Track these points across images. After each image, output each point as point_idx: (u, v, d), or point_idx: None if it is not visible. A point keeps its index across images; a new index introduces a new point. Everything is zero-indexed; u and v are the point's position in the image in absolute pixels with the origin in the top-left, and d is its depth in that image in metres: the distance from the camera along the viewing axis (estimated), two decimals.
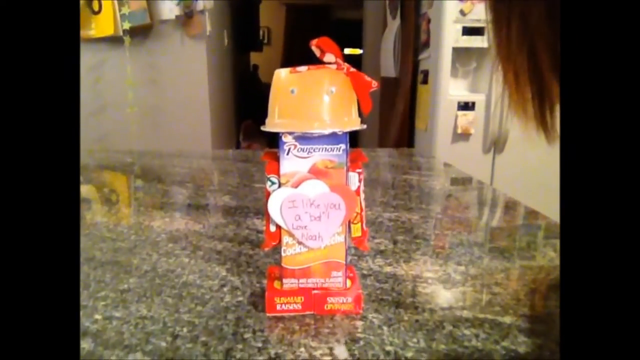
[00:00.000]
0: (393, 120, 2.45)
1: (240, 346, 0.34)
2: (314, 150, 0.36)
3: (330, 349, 0.34)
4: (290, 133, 0.35)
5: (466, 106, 2.08)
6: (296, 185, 0.37)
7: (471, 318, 0.38)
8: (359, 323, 0.38)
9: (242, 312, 0.39)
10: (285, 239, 0.38)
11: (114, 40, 2.10)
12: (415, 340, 0.35)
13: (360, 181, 0.38)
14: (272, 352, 0.34)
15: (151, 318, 0.38)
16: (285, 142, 0.36)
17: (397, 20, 2.43)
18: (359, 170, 0.38)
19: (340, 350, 0.34)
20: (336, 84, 0.34)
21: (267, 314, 0.39)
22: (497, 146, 2.08)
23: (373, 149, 1.28)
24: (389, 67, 2.54)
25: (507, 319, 0.38)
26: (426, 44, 2.19)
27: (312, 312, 0.39)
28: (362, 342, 0.35)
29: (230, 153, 1.24)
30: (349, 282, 0.40)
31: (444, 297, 0.42)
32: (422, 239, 0.57)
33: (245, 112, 3.62)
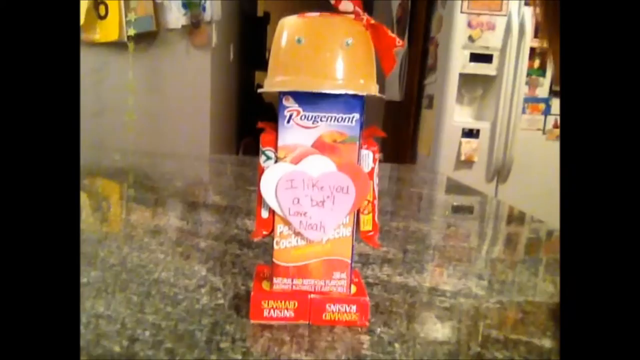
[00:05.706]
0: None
1: (214, 357, 0.27)
2: (320, 119, 0.29)
3: None
4: (292, 95, 0.29)
5: (470, 133, 2.04)
6: (297, 162, 0.30)
7: (502, 339, 0.31)
8: (365, 338, 0.30)
9: (220, 316, 0.32)
10: (280, 227, 0.31)
11: (118, 45, 2.07)
12: None
13: (375, 162, 0.31)
14: None
15: (108, 317, 0.31)
16: (286, 107, 0.29)
17: (405, 44, 2.41)
18: (374, 149, 0.31)
19: None
20: (354, 35, 0.28)
21: (252, 321, 0.31)
22: (500, 175, 2.03)
23: None
24: (393, 90, 2.51)
25: (547, 342, 0.31)
26: (433, 68, 2.17)
27: (306, 322, 0.31)
28: None
29: (226, 158, 1.17)
30: (353, 288, 0.32)
31: (466, 312, 0.35)
32: (435, 249, 0.50)
33: (246, 130, 3.57)
